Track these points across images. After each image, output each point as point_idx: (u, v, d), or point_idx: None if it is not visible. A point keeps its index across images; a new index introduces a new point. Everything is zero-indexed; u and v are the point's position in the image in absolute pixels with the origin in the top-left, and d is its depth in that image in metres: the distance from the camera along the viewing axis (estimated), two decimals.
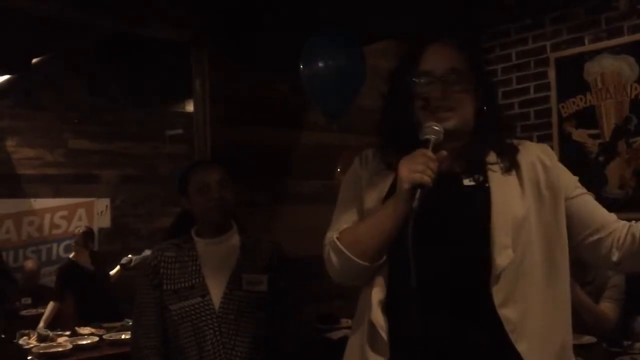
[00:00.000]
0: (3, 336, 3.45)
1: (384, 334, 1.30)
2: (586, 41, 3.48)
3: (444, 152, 1.28)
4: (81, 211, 6.37)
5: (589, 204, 1.39)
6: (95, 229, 5.90)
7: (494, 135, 1.39)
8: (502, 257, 1.25)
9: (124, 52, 4.73)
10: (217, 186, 1.99)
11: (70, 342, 3.67)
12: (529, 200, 1.32)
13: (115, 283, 5.10)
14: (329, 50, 2.93)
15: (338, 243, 1.36)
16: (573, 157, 3.41)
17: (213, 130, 3.08)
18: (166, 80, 5.17)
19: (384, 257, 1.33)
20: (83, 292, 4.82)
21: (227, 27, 3.13)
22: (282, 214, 3.26)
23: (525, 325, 1.26)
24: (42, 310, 4.84)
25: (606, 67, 3.38)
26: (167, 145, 6.80)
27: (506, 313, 1.25)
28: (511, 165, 1.35)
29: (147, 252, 3.92)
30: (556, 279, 1.32)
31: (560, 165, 1.40)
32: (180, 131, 6.64)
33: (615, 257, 1.33)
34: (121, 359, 3.43)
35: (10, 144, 5.99)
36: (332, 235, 1.40)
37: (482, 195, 1.32)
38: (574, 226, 1.36)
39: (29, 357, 3.41)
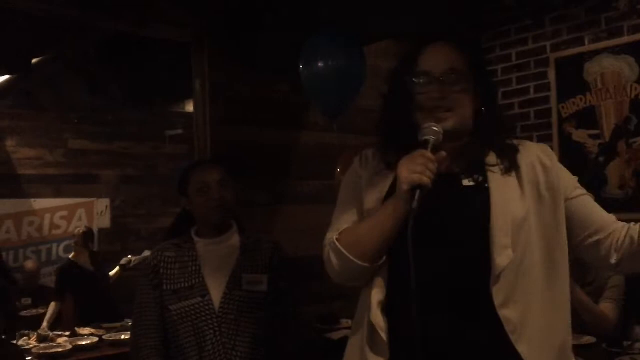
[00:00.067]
0: (3, 337, 3.44)
1: (383, 335, 1.30)
2: (586, 41, 3.48)
3: (443, 153, 1.28)
4: (81, 211, 6.37)
5: (588, 205, 1.39)
6: (95, 229, 5.90)
7: (493, 135, 1.39)
8: (502, 258, 1.25)
9: (124, 52, 4.73)
10: (217, 186, 1.98)
11: (70, 343, 3.67)
12: (528, 201, 1.32)
13: (115, 283, 5.11)
14: (329, 50, 2.93)
15: (338, 244, 1.36)
16: (573, 158, 3.41)
17: (213, 130, 3.08)
18: (166, 80, 5.17)
19: (384, 258, 1.33)
20: (83, 292, 4.82)
21: (227, 27, 3.13)
22: (282, 214, 3.26)
23: (526, 326, 1.26)
24: (42, 311, 4.84)
25: (606, 67, 3.38)
26: (167, 145, 6.80)
27: (506, 313, 1.25)
28: (511, 166, 1.35)
29: (147, 253, 3.93)
30: (556, 280, 1.32)
31: (560, 165, 1.40)
32: (180, 131, 6.64)
33: (614, 259, 1.33)
34: (121, 359, 3.43)
35: (10, 144, 6.00)
36: (331, 236, 1.40)
37: (481, 195, 1.32)
38: (573, 227, 1.36)
39: (28, 358, 3.40)
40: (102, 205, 6.47)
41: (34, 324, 4.41)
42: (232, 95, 3.14)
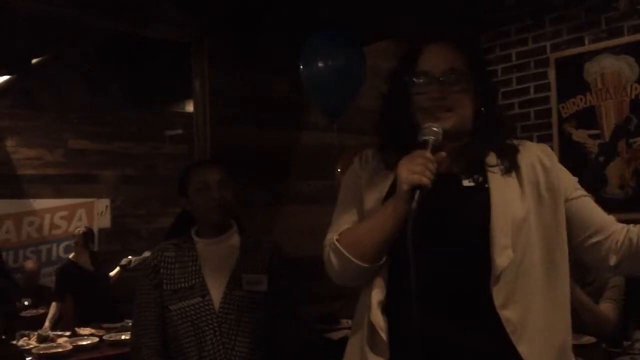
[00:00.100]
0: (3, 337, 3.45)
1: (383, 335, 1.30)
2: (586, 41, 3.48)
3: (443, 154, 1.28)
4: (81, 211, 6.37)
5: (588, 206, 1.39)
6: (95, 230, 5.90)
7: (493, 135, 1.39)
8: (502, 258, 1.25)
9: (124, 52, 4.73)
10: (217, 186, 1.98)
11: (70, 343, 3.67)
12: (528, 201, 1.32)
13: (115, 284, 5.11)
14: (329, 50, 2.93)
15: (338, 244, 1.36)
16: (573, 158, 3.41)
17: (213, 130, 3.08)
18: (166, 80, 5.17)
19: (384, 258, 1.33)
20: (83, 292, 4.82)
21: (227, 27, 3.13)
22: (282, 214, 3.25)
23: (526, 326, 1.26)
24: (42, 311, 4.84)
25: (606, 67, 3.38)
26: (167, 145, 6.80)
27: (507, 314, 1.25)
28: (511, 166, 1.35)
29: (147, 254, 3.93)
30: (556, 280, 1.32)
31: (560, 166, 1.40)
32: (180, 131, 6.64)
33: (612, 260, 1.33)
34: (121, 359, 3.43)
35: (10, 144, 6.00)
36: (331, 236, 1.39)
37: (481, 196, 1.32)
38: (573, 228, 1.36)
39: (28, 358, 3.40)
40: (102, 205, 6.47)
41: (34, 324, 4.41)
42: (232, 95, 3.14)
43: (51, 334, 3.85)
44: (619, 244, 1.33)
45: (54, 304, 4.78)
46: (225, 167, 2.07)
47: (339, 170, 3.25)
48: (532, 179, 1.34)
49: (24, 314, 4.77)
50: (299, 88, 3.04)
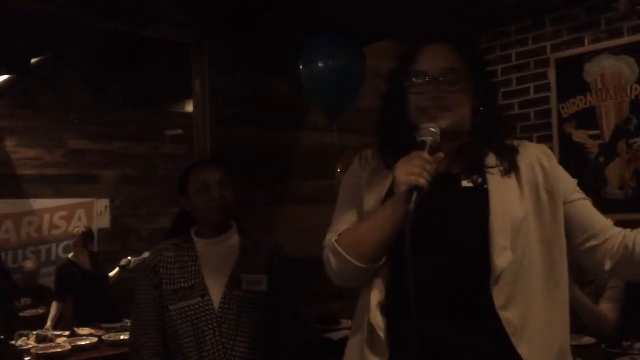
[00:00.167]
0: (2, 337, 3.44)
1: (383, 335, 1.30)
2: (586, 42, 3.48)
3: (441, 154, 1.28)
4: (80, 211, 6.36)
5: (586, 209, 1.38)
6: (94, 230, 5.90)
7: (493, 136, 1.39)
8: (502, 259, 1.25)
9: (124, 52, 4.73)
10: (217, 186, 1.98)
11: (69, 343, 3.67)
12: (527, 202, 1.31)
13: (114, 284, 5.10)
14: (329, 50, 2.93)
15: (337, 245, 1.35)
16: (573, 158, 3.41)
17: (213, 130, 3.08)
18: (166, 80, 5.16)
19: (383, 259, 1.33)
20: (82, 292, 4.82)
21: (227, 27, 3.12)
22: (282, 214, 3.25)
23: (526, 327, 1.25)
24: (42, 311, 4.85)
25: (606, 67, 3.38)
26: (167, 145, 6.80)
27: (507, 315, 1.25)
28: (510, 167, 1.35)
29: (146, 254, 3.92)
30: (555, 280, 1.32)
31: (559, 167, 1.40)
32: (180, 131, 6.64)
33: (607, 265, 1.33)
34: (120, 359, 3.43)
35: (10, 144, 5.99)
36: (331, 237, 1.39)
37: (480, 197, 1.31)
38: (570, 231, 1.36)
39: (26, 358, 3.40)
40: (101, 205, 6.47)
41: (33, 324, 4.41)
42: (232, 95, 3.14)
43: (50, 333, 3.85)
44: (614, 248, 1.32)
45: (54, 304, 4.78)
46: (225, 167, 2.07)
47: (338, 170, 3.24)
48: (531, 179, 1.34)
49: (23, 313, 4.77)
50: (299, 88, 3.04)
